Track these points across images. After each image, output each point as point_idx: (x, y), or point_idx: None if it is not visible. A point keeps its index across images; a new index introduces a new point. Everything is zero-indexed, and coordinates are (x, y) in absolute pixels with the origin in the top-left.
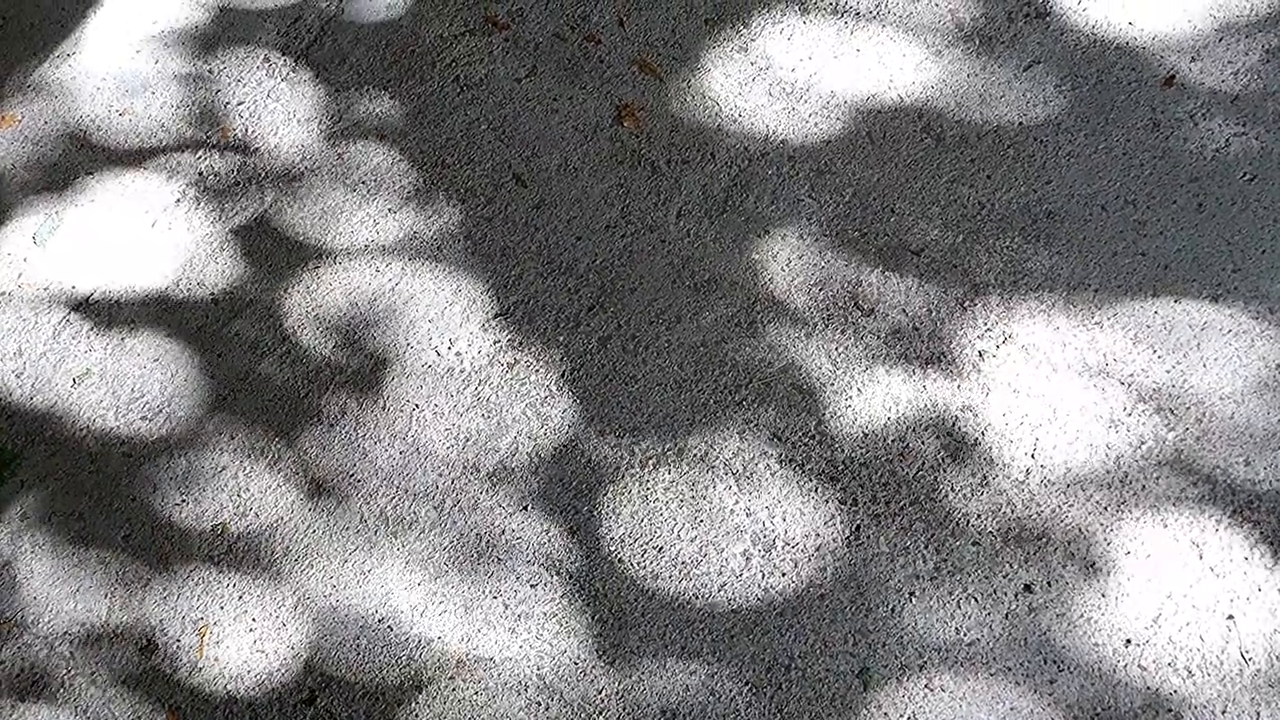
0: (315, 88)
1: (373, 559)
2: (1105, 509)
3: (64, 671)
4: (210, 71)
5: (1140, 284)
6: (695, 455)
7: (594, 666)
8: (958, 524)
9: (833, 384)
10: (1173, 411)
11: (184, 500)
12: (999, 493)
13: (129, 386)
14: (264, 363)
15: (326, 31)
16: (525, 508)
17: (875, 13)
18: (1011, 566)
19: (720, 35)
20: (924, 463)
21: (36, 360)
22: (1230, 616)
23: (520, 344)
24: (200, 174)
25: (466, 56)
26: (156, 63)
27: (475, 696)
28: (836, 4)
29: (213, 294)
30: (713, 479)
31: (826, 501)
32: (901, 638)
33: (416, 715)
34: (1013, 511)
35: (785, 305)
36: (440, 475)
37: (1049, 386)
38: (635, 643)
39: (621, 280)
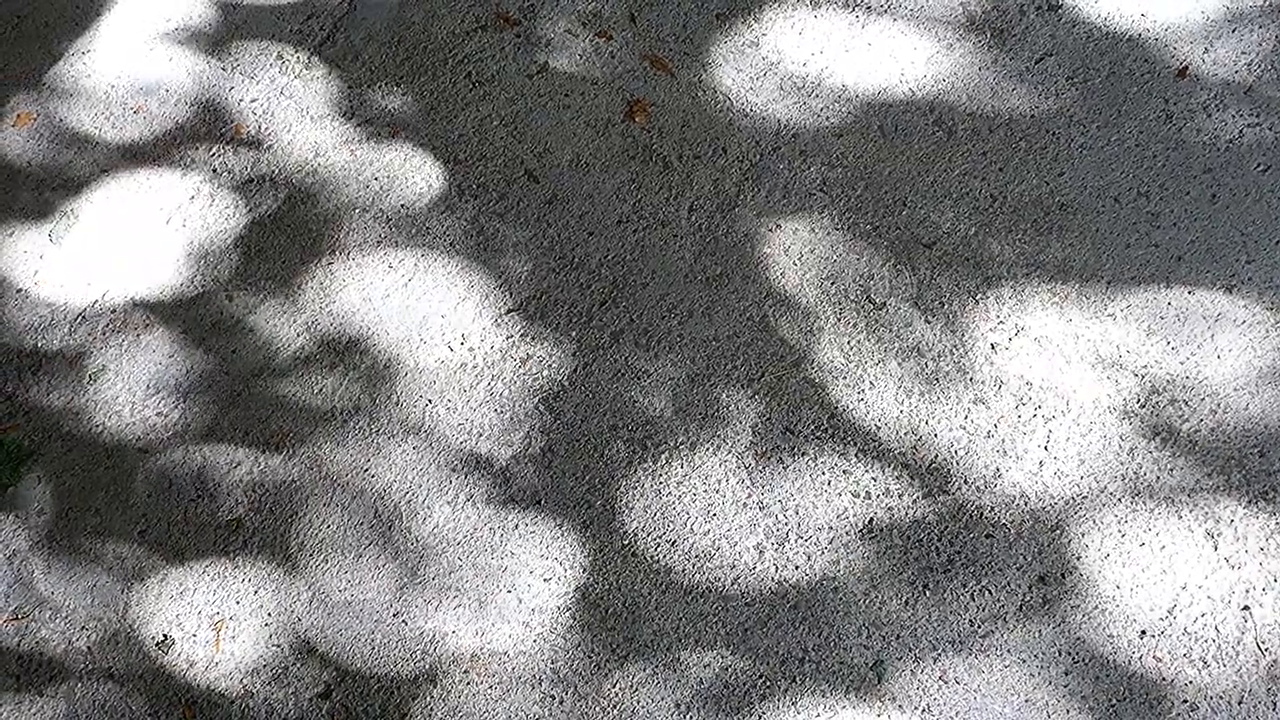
0: (328, 84)
1: (387, 553)
2: (1119, 500)
3: (81, 666)
4: (224, 69)
5: (1153, 275)
6: (708, 449)
7: (608, 660)
8: (971, 516)
9: (845, 377)
10: (1187, 403)
11: (199, 495)
12: (1012, 484)
13: (144, 383)
14: (278, 358)
15: (339, 28)
16: (539, 502)
17: (886, 6)
18: (1025, 558)
19: (731, 30)
20: (936, 455)
21: (53, 357)
22: (1246, 607)
23: (533, 339)
24: (214, 171)
25: (478, 53)
26: (170, 60)
27: (490, 690)
28: None
29: (227, 290)
30: (725, 473)
31: (839, 494)
32: (915, 630)
33: (431, 709)
34: (1026, 503)
35: (797, 299)
36: (454, 470)
37: (1062, 378)
38: (649, 636)
39: (634, 275)
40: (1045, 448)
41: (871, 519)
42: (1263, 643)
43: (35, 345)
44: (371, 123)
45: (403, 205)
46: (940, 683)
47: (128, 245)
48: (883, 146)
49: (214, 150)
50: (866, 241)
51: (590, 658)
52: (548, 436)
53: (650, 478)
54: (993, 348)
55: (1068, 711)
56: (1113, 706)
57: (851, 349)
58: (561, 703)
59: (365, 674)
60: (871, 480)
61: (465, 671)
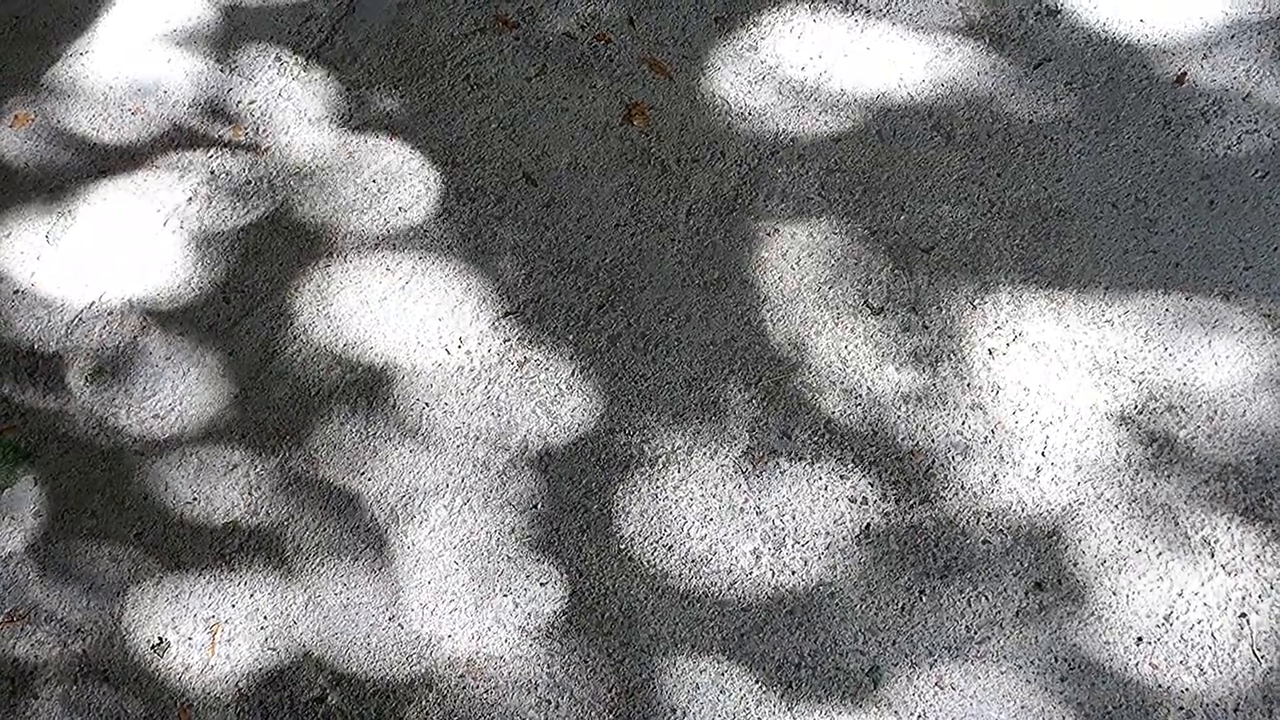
0: (326, 86)
1: (383, 557)
2: (1116, 507)
3: (76, 669)
4: (222, 70)
5: (1151, 281)
6: (705, 453)
7: (604, 665)
8: (968, 522)
9: (843, 382)
10: (1184, 409)
11: (195, 498)
12: (1009, 490)
13: (141, 385)
14: (275, 361)
15: (337, 30)
16: (535, 505)
17: (885, 10)
18: (1022, 564)
19: (730, 34)
20: (934, 460)
21: (50, 358)
22: (1243, 615)
23: (530, 342)
24: (212, 173)
25: (477, 55)
26: (169, 62)
27: (486, 694)
28: (846, 2)
29: (224, 293)
30: (722, 477)
31: (836, 499)
32: (912, 636)
33: (427, 713)
34: (1023, 509)
35: (795, 303)
36: (450, 473)
37: (1059, 384)
38: (645, 641)
39: (631, 279)
40: (1042, 454)
41: (868, 524)
42: (1259, 650)
43: (32, 346)
44: (369, 125)
45: (400, 208)
46: (936, 689)
47: (125, 247)
48: (881, 151)
49: (211, 152)
50: (864, 246)
51: (586, 662)
52: (544, 440)
53: (647, 482)
54: (990, 353)
55: (1063, 718)
56: (1109, 714)
57: (849, 354)
58: (557, 707)
59: (361, 678)
60: (868, 485)
61: (461, 676)
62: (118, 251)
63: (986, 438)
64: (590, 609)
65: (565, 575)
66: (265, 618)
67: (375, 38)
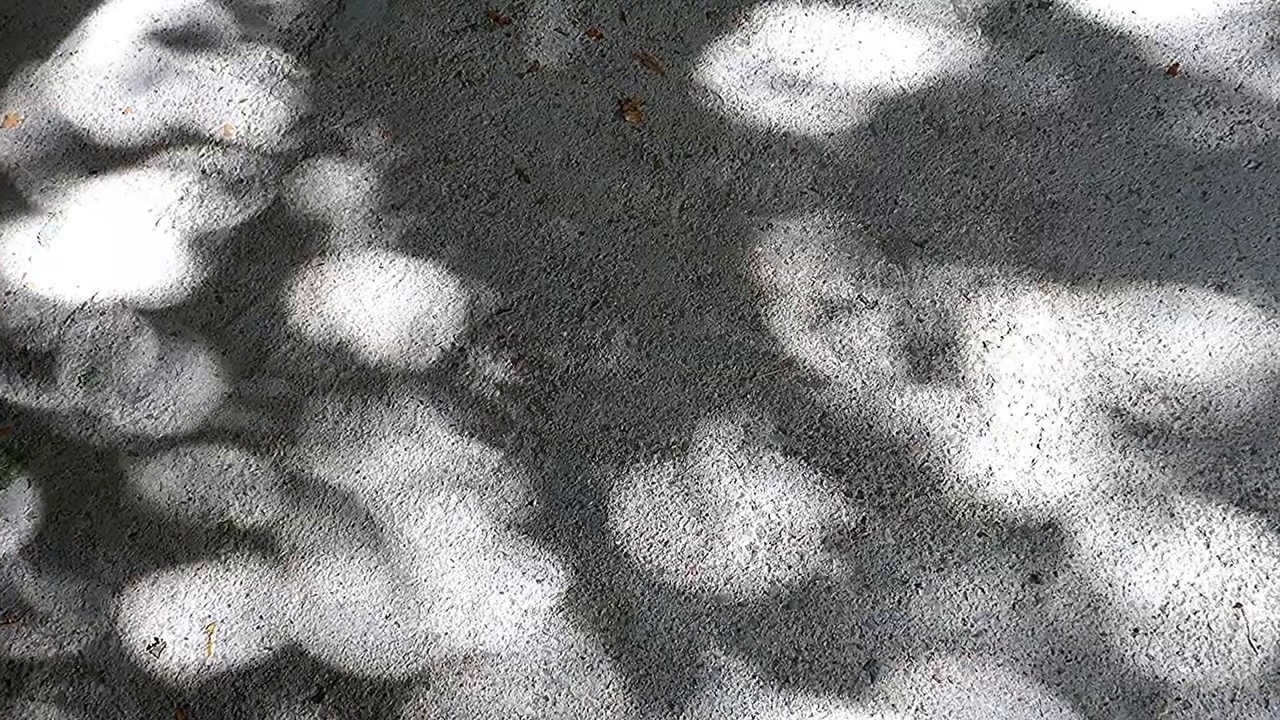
0: (317, 84)
1: (378, 555)
2: (1111, 498)
3: (72, 670)
4: (213, 69)
5: (1145, 273)
6: (700, 448)
7: (601, 661)
8: (964, 515)
9: (837, 377)
10: (1178, 400)
11: (190, 498)
12: (1005, 483)
13: (134, 385)
14: (269, 360)
15: (328, 28)
16: (531, 502)
17: (877, 3)
18: (1018, 557)
19: (722, 28)
20: (929, 454)
21: (42, 359)
22: (1238, 605)
23: (524, 339)
24: (204, 171)
25: (468, 52)
26: (159, 60)
27: (482, 692)
28: None
29: (217, 292)
30: (718, 472)
31: (832, 494)
32: (909, 629)
33: (424, 711)
34: (1019, 502)
35: (789, 298)
36: (445, 471)
37: (1054, 377)
38: (641, 637)
39: (625, 275)
40: (1037, 446)
41: (864, 518)
42: (1255, 640)
43: (24, 348)
44: (361, 123)
45: (393, 206)
46: (933, 682)
47: (117, 247)
48: (874, 145)
49: (203, 151)
50: (858, 240)
51: (583, 659)
52: (539, 437)
53: (642, 478)
54: (985, 346)
55: (1061, 710)
56: (1105, 705)
57: (843, 348)
58: (554, 704)
59: (357, 676)
60: (864, 479)
61: (458, 673)
62: (110, 251)
63: (981, 430)
64: (587, 605)
65: (561, 572)
66: (261, 617)
67: (366, 35)
